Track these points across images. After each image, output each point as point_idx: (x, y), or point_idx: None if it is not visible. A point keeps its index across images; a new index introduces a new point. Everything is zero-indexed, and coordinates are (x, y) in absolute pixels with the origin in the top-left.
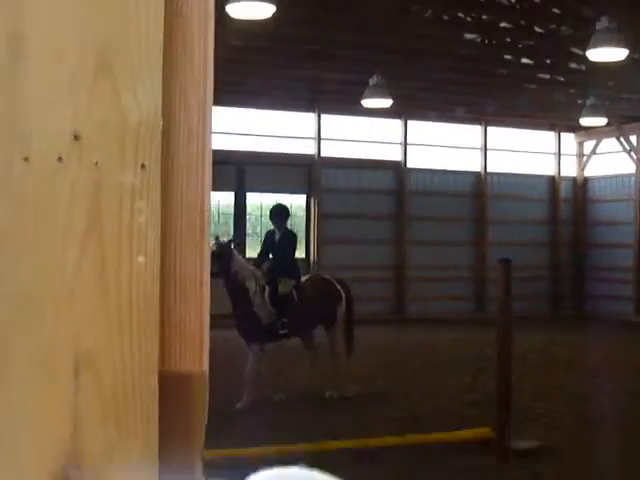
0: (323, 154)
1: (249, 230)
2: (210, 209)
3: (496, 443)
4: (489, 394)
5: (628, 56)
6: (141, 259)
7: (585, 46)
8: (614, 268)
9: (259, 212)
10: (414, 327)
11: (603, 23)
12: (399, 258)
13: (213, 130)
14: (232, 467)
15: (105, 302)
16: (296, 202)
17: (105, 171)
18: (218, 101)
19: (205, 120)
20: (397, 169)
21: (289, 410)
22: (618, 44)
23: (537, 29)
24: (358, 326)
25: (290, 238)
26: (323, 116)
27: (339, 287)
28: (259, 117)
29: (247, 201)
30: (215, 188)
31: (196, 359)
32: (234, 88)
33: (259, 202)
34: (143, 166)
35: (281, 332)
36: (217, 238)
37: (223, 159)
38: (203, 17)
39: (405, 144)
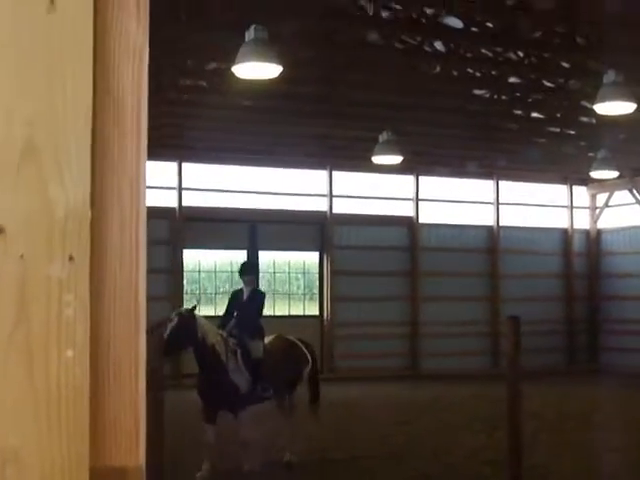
0: (335, 211)
1: (262, 288)
2: (145, 293)
3: None
4: (504, 452)
5: (637, 109)
6: (70, 353)
7: (594, 99)
8: (628, 320)
9: (272, 270)
10: (428, 383)
11: (610, 77)
12: (412, 314)
13: (227, 188)
14: None
15: (33, 397)
16: (309, 259)
17: (31, 264)
18: (232, 160)
19: (139, 204)
20: (409, 225)
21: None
22: (625, 97)
23: (546, 83)
24: (372, 383)
25: (257, 295)
26: (335, 173)
27: (304, 349)
28: (271, 175)
29: (260, 259)
30: (228, 247)
31: (131, 453)
32: (246, 147)
33: (272, 260)
34: (71, 258)
35: (265, 395)
36: (179, 312)
37: (236, 217)
38: (136, 96)
39: (417, 199)
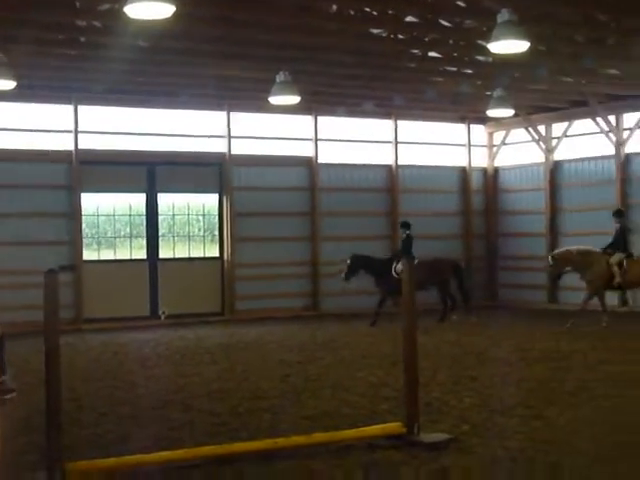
0: (234, 152)
1: (162, 231)
2: None
3: (406, 437)
4: (402, 389)
5: (531, 48)
6: None
7: (489, 38)
8: (526, 257)
9: (172, 212)
10: (329, 322)
11: (504, 16)
12: (313, 254)
13: (125, 131)
14: (135, 475)
15: None
16: (209, 201)
17: None
18: (128, 102)
19: None
20: (308, 165)
21: (198, 412)
22: (519, 36)
23: (443, 22)
24: (272, 323)
25: None
26: (233, 114)
27: None
28: (168, 117)
29: (159, 202)
30: (126, 189)
31: None
32: (143, 89)
33: (171, 203)
34: None
35: None
36: None
37: (134, 160)
38: None
39: (316, 140)
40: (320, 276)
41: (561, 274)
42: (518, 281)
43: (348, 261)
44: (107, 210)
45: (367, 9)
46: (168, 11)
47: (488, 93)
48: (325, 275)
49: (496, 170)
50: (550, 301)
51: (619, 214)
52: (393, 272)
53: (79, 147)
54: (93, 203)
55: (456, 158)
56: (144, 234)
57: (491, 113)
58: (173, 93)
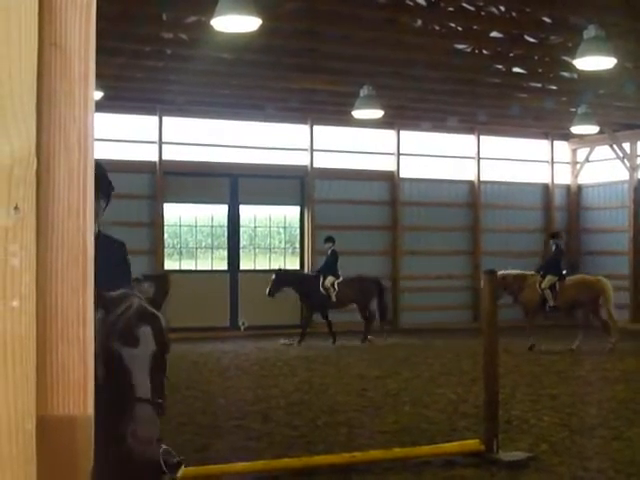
0: (316, 165)
1: (243, 242)
2: (92, 246)
3: (485, 455)
4: (481, 406)
5: (618, 64)
6: (15, 303)
7: (575, 55)
8: (609, 276)
9: (253, 224)
10: (408, 337)
11: (590, 32)
12: (393, 268)
13: (208, 142)
14: None
15: None
16: (290, 214)
17: None
18: (212, 114)
19: (87, 157)
20: (390, 179)
21: (276, 424)
22: (606, 53)
23: (528, 38)
24: (351, 336)
25: None
26: (315, 127)
27: None
28: (252, 129)
29: (240, 213)
30: (208, 200)
31: (80, 402)
32: (227, 101)
33: (252, 215)
34: (16, 207)
35: None
36: None
37: (217, 171)
38: (84, 48)
39: (398, 154)
40: (400, 291)
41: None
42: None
43: (273, 276)
44: (189, 221)
45: (452, 24)
46: (254, 24)
47: (572, 109)
48: (405, 289)
49: (579, 187)
50: (633, 320)
51: (556, 236)
52: (320, 288)
53: (163, 158)
54: (175, 213)
55: (539, 175)
56: (225, 245)
57: (575, 130)
58: (257, 106)
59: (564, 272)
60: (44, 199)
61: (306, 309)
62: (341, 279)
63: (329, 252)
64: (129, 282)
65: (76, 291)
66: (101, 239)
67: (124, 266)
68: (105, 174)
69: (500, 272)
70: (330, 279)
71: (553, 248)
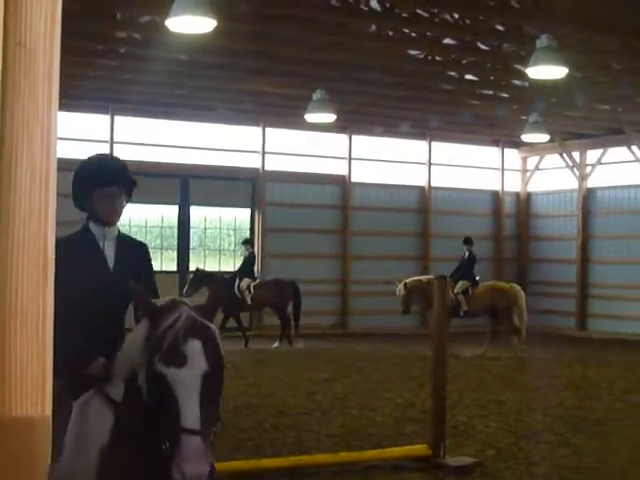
0: (268, 168)
1: (193, 244)
2: (53, 247)
3: (431, 460)
4: (428, 411)
5: (569, 74)
6: None
7: (527, 63)
8: (556, 283)
9: (203, 226)
10: (357, 341)
11: (543, 41)
12: (343, 272)
13: (160, 143)
14: None
15: None
16: (241, 216)
17: None
18: (164, 114)
19: (49, 157)
20: (342, 183)
21: (224, 426)
22: (558, 62)
23: (481, 45)
24: (303, 340)
25: None
26: (268, 130)
27: None
28: (204, 130)
29: (191, 215)
30: (159, 201)
31: (37, 403)
32: (180, 102)
33: (203, 216)
34: None
35: None
36: None
37: (168, 172)
38: (48, 47)
39: (350, 158)
40: (349, 295)
41: (411, 303)
42: (547, 307)
43: (191, 275)
44: (139, 221)
45: (405, 30)
46: (209, 26)
47: (523, 118)
48: (354, 293)
49: (529, 195)
50: (579, 328)
51: (468, 242)
52: (236, 290)
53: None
54: (125, 214)
55: (489, 182)
56: (175, 246)
57: (526, 138)
58: (210, 107)
59: (477, 278)
60: (5, 198)
61: (222, 311)
62: (257, 281)
63: (246, 254)
64: (154, 284)
65: (35, 291)
66: (123, 240)
67: (148, 267)
68: (125, 169)
69: (410, 279)
70: (246, 281)
71: (466, 254)
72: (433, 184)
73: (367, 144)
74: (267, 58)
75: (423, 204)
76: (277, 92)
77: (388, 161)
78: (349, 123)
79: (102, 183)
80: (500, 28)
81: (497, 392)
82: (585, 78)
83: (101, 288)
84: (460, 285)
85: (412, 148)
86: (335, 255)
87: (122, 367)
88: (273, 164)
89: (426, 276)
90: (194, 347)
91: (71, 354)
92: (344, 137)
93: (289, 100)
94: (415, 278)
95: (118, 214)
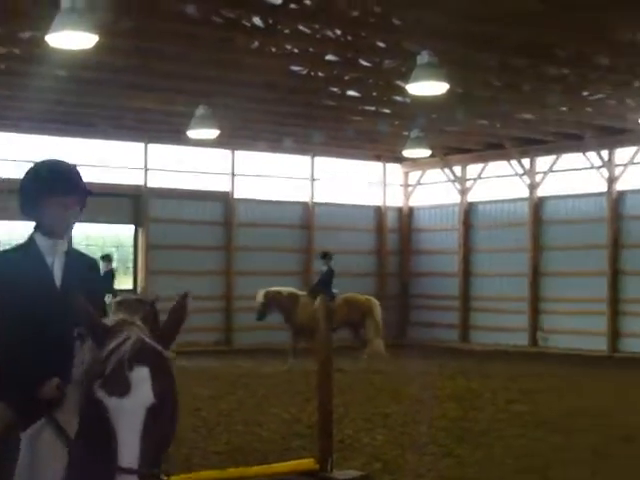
0: (151, 185)
1: None
2: None
3: (319, 474)
4: (315, 425)
5: (449, 90)
6: None
7: (408, 79)
8: (439, 296)
9: (85, 242)
10: (242, 358)
11: (424, 58)
12: (227, 288)
13: (38, 159)
14: None
15: None
16: (124, 233)
17: None
18: (45, 130)
19: None
20: (225, 200)
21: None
22: (438, 78)
23: (362, 62)
24: (183, 357)
25: None
26: (150, 146)
27: None
28: (87, 147)
29: (72, 232)
30: None
31: None
32: (61, 118)
33: (85, 233)
34: None
35: None
36: None
37: None
38: None
39: (233, 175)
40: (233, 311)
41: (267, 313)
42: (430, 320)
43: None
44: (19, 238)
45: (288, 46)
46: (90, 41)
47: (405, 133)
48: (238, 310)
49: (411, 210)
50: (462, 340)
51: (326, 256)
52: None
53: None
54: (4, 231)
55: (372, 197)
56: None
57: (407, 153)
58: (92, 123)
59: (335, 292)
60: None
61: None
62: (118, 299)
63: (106, 270)
64: (103, 304)
65: None
66: (72, 255)
67: (97, 285)
68: (80, 177)
69: (271, 289)
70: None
71: (324, 268)
72: (316, 200)
73: (250, 160)
74: (149, 74)
75: (307, 220)
76: (160, 108)
77: (271, 177)
78: (232, 139)
79: (56, 191)
80: (381, 45)
81: (382, 405)
82: (465, 94)
83: (47, 307)
84: (319, 300)
85: (295, 164)
86: (219, 271)
87: (73, 393)
88: (156, 180)
89: (287, 289)
90: (140, 375)
91: (18, 377)
92: (227, 153)
93: (172, 116)
94: (276, 289)
95: (71, 226)
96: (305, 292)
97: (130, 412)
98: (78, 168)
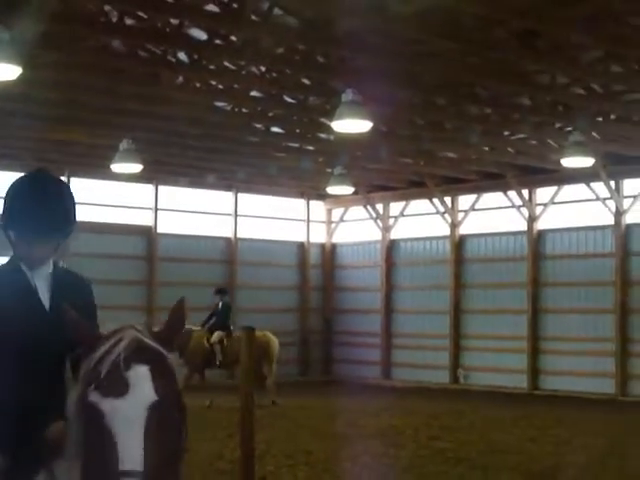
0: None
1: None
2: None
3: None
4: (237, 461)
5: (373, 128)
6: None
7: (332, 117)
8: (362, 333)
9: None
10: None
11: (348, 95)
12: (149, 325)
13: None
14: None
15: None
16: None
17: None
18: None
19: None
20: (147, 234)
21: None
22: (362, 116)
23: (287, 98)
24: None
25: None
26: (73, 180)
27: None
28: (6, 180)
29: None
30: None
31: None
32: None
33: None
34: None
35: None
36: None
37: None
38: None
39: (156, 209)
40: None
41: None
42: (353, 357)
43: None
44: None
45: (213, 82)
46: (14, 73)
47: (329, 170)
48: None
49: (334, 246)
50: (384, 377)
51: (222, 292)
52: None
53: None
54: None
55: (295, 233)
56: None
57: (331, 190)
58: (13, 156)
59: (231, 328)
60: None
61: None
62: None
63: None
64: (97, 326)
65: None
66: (60, 275)
67: (91, 307)
68: (52, 213)
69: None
70: None
71: (220, 304)
72: (239, 235)
73: (173, 195)
74: (73, 107)
75: (229, 255)
76: (83, 142)
77: (194, 212)
78: (155, 174)
79: (25, 234)
80: (306, 82)
81: (305, 442)
82: (389, 132)
83: (39, 333)
84: (216, 335)
85: (219, 199)
86: (140, 307)
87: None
88: (78, 214)
89: (193, 327)
90: (139, 373)
91: (15, 417)
92: (150, 187)
93: (95, 150)
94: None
95: (49, 258)
96: (199, 327)
97: (130, 412)
98: (70, 192)
